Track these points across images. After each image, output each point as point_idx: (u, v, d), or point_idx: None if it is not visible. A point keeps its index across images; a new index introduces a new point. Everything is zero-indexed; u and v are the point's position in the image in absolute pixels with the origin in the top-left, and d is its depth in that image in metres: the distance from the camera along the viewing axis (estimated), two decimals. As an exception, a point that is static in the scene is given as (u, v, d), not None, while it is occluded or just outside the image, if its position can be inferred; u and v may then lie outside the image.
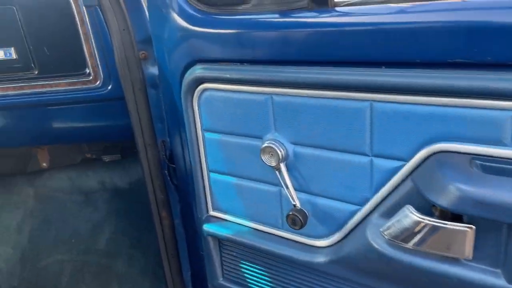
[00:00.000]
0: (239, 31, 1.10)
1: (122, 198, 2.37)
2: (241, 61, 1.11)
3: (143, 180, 1.62)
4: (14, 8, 1.48)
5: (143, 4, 1.40)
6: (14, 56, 1.54)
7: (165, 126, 1.51)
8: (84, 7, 1.46)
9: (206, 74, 1.18)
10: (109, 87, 1.58)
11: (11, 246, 2.27)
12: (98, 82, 1.56)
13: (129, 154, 2.25)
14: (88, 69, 1.55)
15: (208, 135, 1.27)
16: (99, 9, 1.45)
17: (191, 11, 1.16)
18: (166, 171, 1.60)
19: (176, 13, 1.18)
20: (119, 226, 2.33)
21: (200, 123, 1.27)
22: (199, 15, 1.15)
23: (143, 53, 1.43)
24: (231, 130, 1.21)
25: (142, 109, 1.49)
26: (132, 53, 1.42)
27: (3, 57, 1.54)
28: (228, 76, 1.14)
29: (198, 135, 1.29)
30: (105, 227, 2.33)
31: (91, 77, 1.55)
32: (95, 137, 1.88)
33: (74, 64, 1.54)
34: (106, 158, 2.22)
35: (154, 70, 1.44)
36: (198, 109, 1.25)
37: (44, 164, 2.29)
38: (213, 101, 1.21)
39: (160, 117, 1.50)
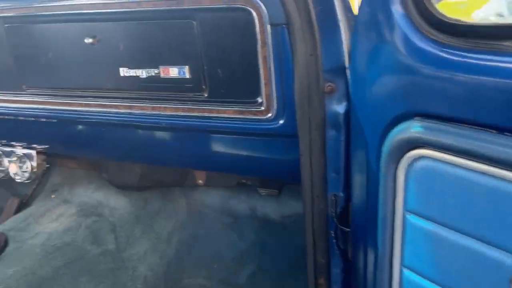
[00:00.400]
0: (505, 80, 0.68)
1: (271, 231, 2.15)
2: (502, 130, 0.69)
3: (300, 216, 1.34)
4: (194, 23, 1.32)
5: (341, 25, 1.08)
6: (187, 75, 1.39)
7: (341, 178, 1.18)
8: (268, 25, 1.20)
9: (428, 136, 0.80)
10: (281, 122, 1.30)
11: (159, 255, 2.26)
12: (269, 115, 1.30)
13: (287, 188, 2.01)
14: (261, 98, 1.30)
15: (412, 219, 0.88)
16: (285, 29, 1.18)
17: (421, 44, 0.78)
18: (332, 231, 1.28)
19: (397, 44, 0.82)
20: (263, 262, 2.11)
21: (403, 200, 0.89)
22: (436, 51, 0.76)
23: (329, 86, 1.12)
24: (455, 225, 0.80)
25: (316, 153, 1.19)
26: (316, 84, 1.12)
27: (177, 75, 1.41)
28: (468, 146, 0.73)
29: (396, 215, 0.91)
30: (248, 259, 2.14)
31: (262, 108, 1.31)
32: (255, 171, 1.66)
33: (246, 90, 1.32)
34: (263, 192, 2.00)
35: (339, 108, 1.12)
36: (403, 181, 0.87)
37: (200, 181, 2.22)
38: (431, 176, 0.82)
39: (336, 166, 1.18)
